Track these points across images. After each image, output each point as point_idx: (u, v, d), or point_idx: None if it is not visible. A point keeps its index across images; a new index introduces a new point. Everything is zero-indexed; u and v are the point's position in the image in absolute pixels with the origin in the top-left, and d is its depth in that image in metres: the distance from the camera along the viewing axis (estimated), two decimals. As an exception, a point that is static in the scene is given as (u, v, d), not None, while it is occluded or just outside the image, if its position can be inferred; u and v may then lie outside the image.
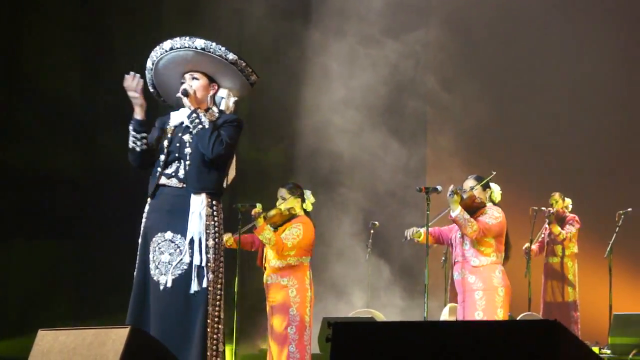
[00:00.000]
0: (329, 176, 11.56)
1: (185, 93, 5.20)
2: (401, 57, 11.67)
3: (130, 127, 5.22)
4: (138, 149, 5.21)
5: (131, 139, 5.22)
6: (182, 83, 5.28)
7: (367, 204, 11.78)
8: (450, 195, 6.73)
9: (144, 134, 5.21)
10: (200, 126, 5.15)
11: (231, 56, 5.24)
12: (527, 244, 10.26)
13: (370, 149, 11.71)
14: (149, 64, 5.33)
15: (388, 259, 11.64)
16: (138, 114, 5.22)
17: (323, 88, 11.57)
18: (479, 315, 6.75)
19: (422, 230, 7.02)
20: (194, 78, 5.27)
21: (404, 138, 11.90)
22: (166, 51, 5.23)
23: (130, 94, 5.21)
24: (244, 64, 5.29)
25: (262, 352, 9.10)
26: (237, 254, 7.62)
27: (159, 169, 5.21)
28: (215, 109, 5.31)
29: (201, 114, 5.18)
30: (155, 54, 5.27)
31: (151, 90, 5.44)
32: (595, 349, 9.15)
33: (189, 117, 5.19)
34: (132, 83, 5.19)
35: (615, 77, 12.01)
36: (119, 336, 4.22)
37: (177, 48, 5.20)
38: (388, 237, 11.54)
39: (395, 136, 11.80)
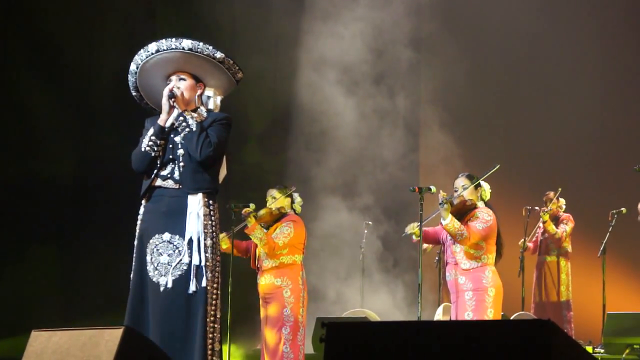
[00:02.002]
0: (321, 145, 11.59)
1: (172, 95, 5.18)
2: (387, 17, 11.70)
3: (151, 132, 5.18)
4: (153, 154, 5.17)
5: (149, 143, 5.16)
6: (168, 84, 5.25)
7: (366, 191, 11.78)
8: (440, 204, 6.73)
9: (163, 142, 5.19)
10: (187, 129, 5.15)
11: (219, 55, 5.23)
12: (522, 240, 10.27)
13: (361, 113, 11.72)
14: (132, 67, 5.27)
15: (382, 259, 11.64)
16: (162, 121, 5.20)
17: (308, 48, 11.59)
18: (468, 316, 6.75)
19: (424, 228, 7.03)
20: (180, 79, 5.25)
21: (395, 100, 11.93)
22: (152, 54, 5.19)
23: (164, 100, 5.19)
24: (231, 62, 5.28)
25: (257, 351, 9.09)
26: (231, 253, 7.61)
27: (155, 170, 5.19)
28: (203, 108, 5.31)
29: (188, 117, 5.17)
30: (140, 57, 5.21)
31: (133, 93, 5.39)
32: (589, 348, 9.16)
33: (176, 120, 5.18)
34: (168, 90, 5.20)
35: (609, 75, 12.03)
36: (112, 337, 4.21)
37: (164, 50, 5.17)
38: (386, 233, 11.57)
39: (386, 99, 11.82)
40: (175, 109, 5.20)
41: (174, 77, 5.25)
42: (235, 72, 5.33)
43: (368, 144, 11.84)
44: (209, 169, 5.18)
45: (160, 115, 5.25)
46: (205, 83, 5.33)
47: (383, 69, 11.89)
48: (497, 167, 6.97)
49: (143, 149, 5.18)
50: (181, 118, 5.17)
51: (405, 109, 12.03)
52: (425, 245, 7.23)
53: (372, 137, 11.84)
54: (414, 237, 6.97)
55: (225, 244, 7.44)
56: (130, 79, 5.32)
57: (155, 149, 5.16)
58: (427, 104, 12.36)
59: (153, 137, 5.16)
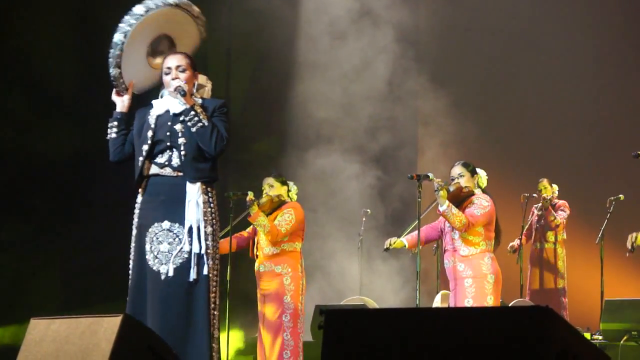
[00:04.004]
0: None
1: (184, 93, 5.14)
2: None
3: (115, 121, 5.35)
4: (112, 135, 5.31)
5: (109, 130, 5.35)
6: (167, 74, 5.21)
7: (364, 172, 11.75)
8: (436, 191, 6.73)
9: (117, 123, 5.32)
10: (200, 124, 5.10)
11: (196, 10, 5.30)
12: (516, 241, 10.23)
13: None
14: (119, 38, 5.15)
15: (380, 247, 11.64)
16: (117, 109, 5.36)
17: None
18: (468, 303, 6.76)
19: (404, 239, 7.07)
20: (180, 70, 5.21)
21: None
22: (141, 15, 5.16)
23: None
24: (203, 19, 5.36)
25: (255, 339, 9.11)
26: (229, 241, 7.61)
27: (142, 159, 5.16)
28: (198, 96, 5.31)
29: (199, 112, 5.13)
30: (129, 24, 5.13)
31: (112, 71, 5.25)
32: (587, 335, 9.18)
33: (186, 114, 5.13)
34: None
35: (606, 61, 12.01)
36: (111, 324, 4.21)
37: (153, 9, 5.15)
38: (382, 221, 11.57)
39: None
40: (184, 105, 5.16)
41: (173, 69, 5.22)
42: (204, 30, 5.42)
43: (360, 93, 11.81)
44: (211, 158, 5.18)
45: (155, 103, 5.26)
46: (177, 43, 5.36)
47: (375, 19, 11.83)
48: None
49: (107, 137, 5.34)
50: (192, 113, 5.11)
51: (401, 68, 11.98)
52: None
53: (364, 87, 11.80)
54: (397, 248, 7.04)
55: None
56: (114, 52, 5.19)
57: (110, 131, 5.33)
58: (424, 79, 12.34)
59: (109, 123, 5.32)
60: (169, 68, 5.23)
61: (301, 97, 11.56)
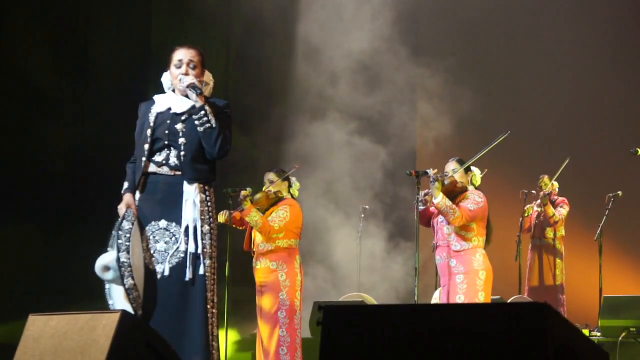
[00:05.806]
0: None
1: (200, 91, 5.06)
2: None
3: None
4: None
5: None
6: (177, 67, 5.13)
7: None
8: (431, 182, 6.72)
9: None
10: (208, 124, 5.02)
11: None
12: (521, 218, 10.28)
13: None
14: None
15: (379, 243, 11.65)
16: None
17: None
18: (460, 299, 6.76)
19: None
20: (191, 67, 5.14)
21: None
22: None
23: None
24: None
25: (253, 335, 9.12)
26: (227, 238, 7.62)
27: (144, 159, 5.08)
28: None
29: (208, 112, 5.05)
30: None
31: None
32: (585, 331, 9.19)
33: (195, 113, 5.05)
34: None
35: (609, 56, 12.01)
36: (109, 321, 4.21)
37: None
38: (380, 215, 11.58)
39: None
40: (195, 102, 5.08)
41: (184, 62, 5.14)
42: None
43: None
44: (211, 160, 5.13)
45: (157, 98, 5.21)
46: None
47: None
48: (507, 133, 6.80)
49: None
50: (202, 112, 5.04)
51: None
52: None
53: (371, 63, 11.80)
54: (420, 205, 6.94)
55: (222, 217, 7.43)
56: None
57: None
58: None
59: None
60: (180, 61, 5.15)
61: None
